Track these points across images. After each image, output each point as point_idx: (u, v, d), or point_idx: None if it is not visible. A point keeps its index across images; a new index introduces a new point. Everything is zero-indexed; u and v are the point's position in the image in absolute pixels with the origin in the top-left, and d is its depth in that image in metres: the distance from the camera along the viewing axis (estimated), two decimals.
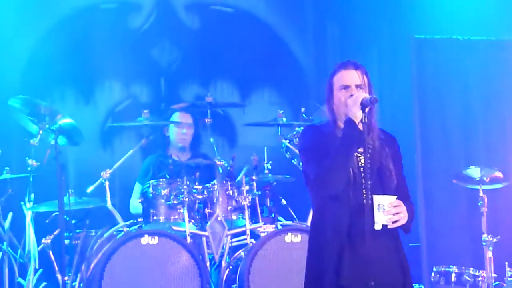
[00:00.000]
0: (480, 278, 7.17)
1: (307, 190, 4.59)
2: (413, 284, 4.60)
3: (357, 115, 4.37)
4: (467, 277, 7.16)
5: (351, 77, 4.52)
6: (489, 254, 7.14)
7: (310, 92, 8.80)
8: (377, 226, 4.31)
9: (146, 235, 6.64)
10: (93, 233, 7.02)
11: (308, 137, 4.60)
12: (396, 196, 4.38)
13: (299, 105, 7.61)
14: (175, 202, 6.90)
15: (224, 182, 6.99)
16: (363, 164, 4.43)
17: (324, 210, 4.46)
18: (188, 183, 6.90)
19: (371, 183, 4.34)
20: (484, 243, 7.19)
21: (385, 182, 4.46)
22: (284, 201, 7.46)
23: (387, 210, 4.32)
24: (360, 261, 4.30)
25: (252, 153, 7.28)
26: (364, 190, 4.38)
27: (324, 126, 4.60)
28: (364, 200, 4.34)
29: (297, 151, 6.79)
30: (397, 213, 4.35)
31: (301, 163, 4.69)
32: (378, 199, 4.32)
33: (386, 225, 4.34)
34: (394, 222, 4.35)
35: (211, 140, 7.27)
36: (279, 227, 6.95)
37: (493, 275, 7.15)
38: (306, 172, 4.55)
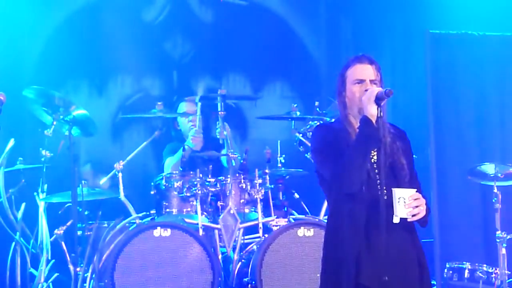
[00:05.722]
0: (493, 275, 7.13)
1: (322, 190, 4.56)
2: None
3: (372, 112, 4.32)
4: (480, 274, 7.13)
5: (366, 71, 4.47)
6: (503, 251, 7.11)
7: (322, 86, 8.77)
8: (396, 220, 4.27)
9: (158, 227, 6.63)
10: (106, 225, 7.03)
11: (319, 137, 4.55)
12: (415, 189, 4.35)
13: (312, 99, 7.59)
14: (188, 194, 6.90)
15: (237, 175, 6.98)
16: (376, 160, 4.41)
17: (339, 207, 4.42)
18: (201, 175, 6.90)
19: (385, 177, 4.31)
20: (498, 240, 7.15)
21: (398, 176, 4.41)
22: (297, 195, 7.46)
23: (408, 203, 4.29)
24: (377, 257, 4.27)
25: (265, 146, 7.27)
26: (378, 186, 4.35)
27: (335, 123, 4.56)
28: (380, 196, 4.31)
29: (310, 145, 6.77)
30: (417, 206, 4.32)
31: (314, 163, 4.63)
32: (399, 192, 4.28)
33: (404, 219, 4.30)
34: (413, 215, 4.32)
35: (225, 133, 7.25)
36: (292, 220, 6.94)
37: (507, 272, 7.12)
38: (320, 172, 4.52)
